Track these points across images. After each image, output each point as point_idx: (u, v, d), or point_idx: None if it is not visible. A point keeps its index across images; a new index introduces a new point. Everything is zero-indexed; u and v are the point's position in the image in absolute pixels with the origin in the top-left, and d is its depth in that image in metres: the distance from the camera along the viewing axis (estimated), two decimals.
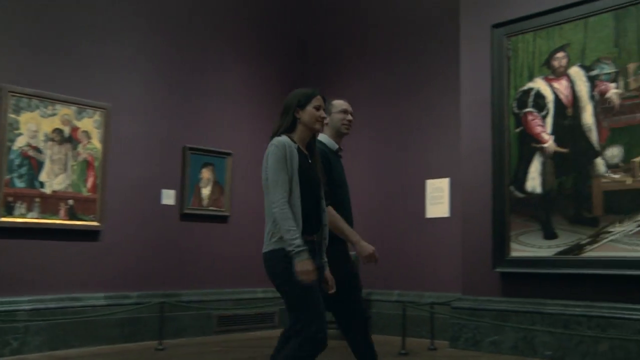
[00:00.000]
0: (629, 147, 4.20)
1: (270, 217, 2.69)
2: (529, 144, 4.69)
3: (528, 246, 4.60)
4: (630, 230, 4.14)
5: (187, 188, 5.65)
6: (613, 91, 4.32)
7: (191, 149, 5.70)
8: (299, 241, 2.58)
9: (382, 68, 6.14)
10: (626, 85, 4.26)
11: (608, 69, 4.35)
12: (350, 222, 3.13)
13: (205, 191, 5.79)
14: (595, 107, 4.39)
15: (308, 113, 2.79)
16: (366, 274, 5.84)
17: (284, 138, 2.75)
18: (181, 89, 5.73)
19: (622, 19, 4.30)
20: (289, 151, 2.71)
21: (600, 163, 4.33)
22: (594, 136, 4.38)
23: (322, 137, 3.14)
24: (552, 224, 4.51)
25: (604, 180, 4.30)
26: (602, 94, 4.37)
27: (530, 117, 4.71)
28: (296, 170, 2.71)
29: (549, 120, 4.61)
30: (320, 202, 2.81)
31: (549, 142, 4.59)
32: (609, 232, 4.24)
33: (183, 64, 5.76)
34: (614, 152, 4.27)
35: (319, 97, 2.84)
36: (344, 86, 6.34)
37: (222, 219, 5.92)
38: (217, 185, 5.88)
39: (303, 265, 2.56)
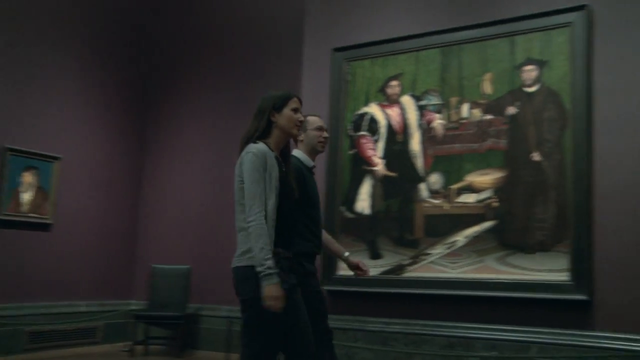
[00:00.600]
0: (448, 174, 4.50)
1: (243, 230, 2.48)
2: (360, 166, 4.86)
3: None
4: (442, 253, 4.43)
5: (3, 192, 5.19)
6: (438, 121, 4.61)
7: (11, 150, 5.25)
8: (270, 262, 2.40)
9: (226, 84, 6.10)
10: (449, 116, 4.57)
11: (434, 100, 4.64)
12: (320, 241, 3.09)
13: (26, 196, 5.35)
14: (423, 135, 4.65)
15: (285, 116, 2.62)
16: (196, 289, 5.75)
17: (262, 145, 2.55)
18: (3, 85, 5.28)
19: (447, 55, 4.62)
20: (269, 161, 2.52)
21: (423, 188, 4.59)
22: (419, 162, 4.64)
23: (297, 152, 3.07)
24: (378, 244, 4.69)
25: (425, 204, 4.56)
26: (429, 123, 4.65)
27: (363, 141, 4.89)
28: (276, 181, 2.52)
29: (381, 144, 4.81)
30: (294, 213, 2.64)
31: (379, 166, 4.79)
32: (428, 253, 4.49)
33: (9, 59, 5.32)
34: (436, 179, 4.55)
35: (295, 99, 2.68)
36: (183, 101, 6.24)
37: (44, 227, 5.50)
38: (41, 190, 5.46)
39: (271, 290, 2.38)
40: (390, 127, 4.80)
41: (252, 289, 2.41)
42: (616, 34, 4.01)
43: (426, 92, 4.69)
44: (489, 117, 4.41)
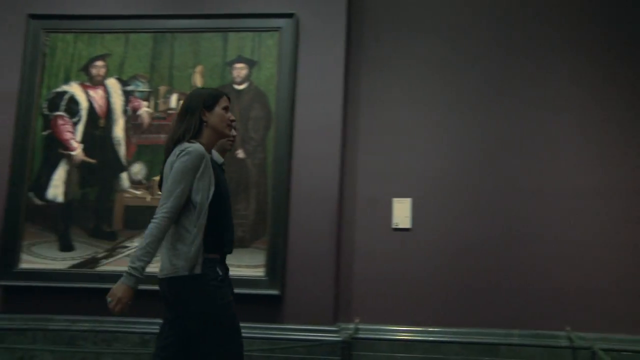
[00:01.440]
0: (152, 165, 4.33)
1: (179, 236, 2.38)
2: (56, 149, 4.40)
3: (40, 258, 4.28)
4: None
5: None
6: (144, 109, 4.41)
7: None
8: (142, 264, 2.33)
9: None
10: (156, 105, 4.41)
11: (142, 87, 4.43)
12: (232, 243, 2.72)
13: None
14: (127, 122, 4.40)
15: (217, 115, 2.52)
16: None
17: (199, 146, 2.41)
18: None
19: (159, 42, 4.45)
20: (204, 163, 2.39)
21: (125, 178, 4.35)
22: (122, 150, 4.38)
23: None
24: (70, 235, 4.30)
25: (126, 195, 4.32)
26: (135, 110, 4.42)
27: (60, 122, 4.44)
28: (213, 184, 2.41)
29: (81, 127, 4.42)
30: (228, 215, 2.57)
31: (78, 151, 4.40)
32: (125, 247, 4.27)
33: None
34: (139, 169, 4.35)
35: (225, 97, 2.58)
36: None
37: None
38: None
39: (125, 290, 2.33)
40: (92, 110, 4.45)
41: (198, 299, 2.40)
42: (319, 44, 4.31)
43: (134, 78, 4.45)
44: None
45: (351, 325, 4.15)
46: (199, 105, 2.52)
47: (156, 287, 4.05)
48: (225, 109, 2.58)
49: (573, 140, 4.23)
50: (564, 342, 4.00)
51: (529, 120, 4.28)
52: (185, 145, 2.43)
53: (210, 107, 2.54)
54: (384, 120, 4.41)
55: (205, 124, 2.52)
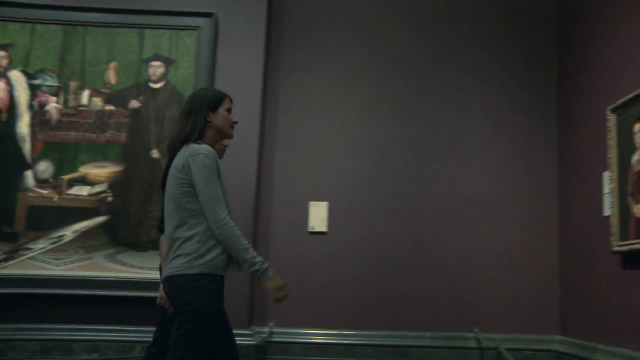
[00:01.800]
0: (60, 163, 4.13)
1: (188, 235, 2.41)
2: None
3: None
4: (45, 248, 4.05)
5: None
6: (53, 105, 4.20)
7: None
8: (261, 257, 2.44)
9: None
10: (66, 101, 4.21)
11: (51, 81, 4.22)
12: None
13: None
14: (33, 118, 4.18)
15: (221, 116, 2.57)
16: None
17: (207, 146, 2.47)
18: None
19: (70, 35, 4.26)
20: (219, 162, 2.47)
21: (29, 176, 4.12)
22: (27, 147, 4.15)
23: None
24: None
25: (31, 194, 4.10)
26: (42, 105, 4.20)
27: None
28: (225, 185, 2.50)
29: None
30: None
31: None
32: (28, 248, 4.04)
33: None
34: (45, 167, 4.13)
35: (228, 99, 2.63)
36: None
37: None
38: None
39: (276, 282, 2.44)
40: None
41: (202, 296, 2.36)
42: (238, 45, 4.25)
43: (42, 71, 4.23)
44: (110, 107, 4.20)
45: (265, 329, 4.12)
46: (203, 106, 2.56)
47: (61, 291, 3.92)
48: (229, 110, 2.64)
49: (485, 148, 4.39)
50: (472, 343, 4.13)
51: (444, 127, 4.41)
52: (195, 147, 2.47)
53: (214, 108, 2.58)
54: (302, 123, 4.42)
55: (209, 124, 2.56)
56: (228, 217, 2.42)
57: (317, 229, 4.29)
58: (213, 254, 2.43)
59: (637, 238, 3.17)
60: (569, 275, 4.12)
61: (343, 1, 4.57)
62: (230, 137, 2.69)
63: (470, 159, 4.36)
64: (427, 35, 4.51)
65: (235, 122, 2.68)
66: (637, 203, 3.19)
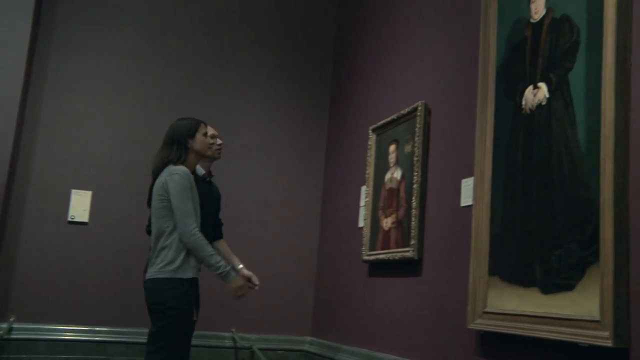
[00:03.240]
0: None
1: (164, 245, 2.86)
2: None
3: None
4: None
5: None
6: None
7: None
8: (224, 262, 2.93)
9: None
10: None
11: None
12: None
13: None
14: None
15: (199, 141, 3.01)
16: None
17: (184, 167, 2.91)
18: None
19: None
20: (191, 181, 2.88)
21: None
22: None
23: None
24: None
25: None
26: None
27: None
28: (196, 200, 2.88)
29: None
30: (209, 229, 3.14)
31: None
32: None
33: None
34: None
35: (203, 124, 3.06)
36: None
37: None
38: None
39: (237, 282, 2.99)
40: None
41: (174, 298, 2.79)
42: (2, 18, 3.85)
43: None
44: None
45: (4, 325, 3.76)
46: (183, 134, 2.98)
47: None
48: (205, 134, 3.05)
49: (256, 152, 4.50)
50: (228, 343, 4.19)
51: (217, 126, 4.39)
52: (173, 168, 2.90)
53: (192, 135, 3.00)
54: (68, 108, 4.13)
55: (190, 149, 2.98)
56: (196, 229, 2.83)
57: (77, 219, 4.04)
58: (183, 260, 2.85)
59: (383, 249, 3.46)
60: (323, 281, 4.38)
61: None
62: (209, 156, 3.22)
63: (241, 160, 4.42)
64: (210, 34, 4.50)
65: (213, 143, 3.19)
66: (386, 217, 3.49)
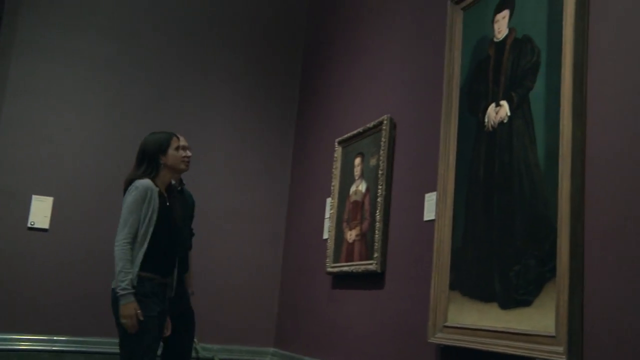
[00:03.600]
0: None
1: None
2: None
3: None
4: None
5: None
6: None
7: None
8: (126, 284, 2.76)
9: None
10: None
11: None
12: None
13: None
14: None
15: (171, 157, 2.99)
16: None
17: (146, 181, 2.88)
18: None
19: None
20: (149, 194, 2.85)
21: None
22: None
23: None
24: None
25: None
26: None
27: None
28: (155, 212, 2.85)
29: None
30: (178, 244, 3.03)
31: None
32: None
33: None
34: None
35: (175, 138, 3.03)
36: None
37: None
38: None
39: (126, 309, 2.75)
40: None
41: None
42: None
43: None
44: None
45: None
46: (155, 150, 2.95)
47: None
48: (177, 148, 3.02)
49: (224, 161, 4.48)
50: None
51: (184, 134, 4.38)
52: (136, 182, 2.88)
53: (164, 151, 2.97)
54: (31, 112, 4.05)
55: (162, 165, 2.96)
56: (125, 242, 2.80)
57: (37, 225, 3.96)
58: (137, 271, 2.83)
59: (347, 261, 3.48)
60: (287, 292, 4.37)
61: None
62: (182, 171, 3.17)
63: (206, 170, 4.37)
64: (177, 42, 4.47)
65: (188, 156, 3.14)
66: (350, 229, 3.51)
